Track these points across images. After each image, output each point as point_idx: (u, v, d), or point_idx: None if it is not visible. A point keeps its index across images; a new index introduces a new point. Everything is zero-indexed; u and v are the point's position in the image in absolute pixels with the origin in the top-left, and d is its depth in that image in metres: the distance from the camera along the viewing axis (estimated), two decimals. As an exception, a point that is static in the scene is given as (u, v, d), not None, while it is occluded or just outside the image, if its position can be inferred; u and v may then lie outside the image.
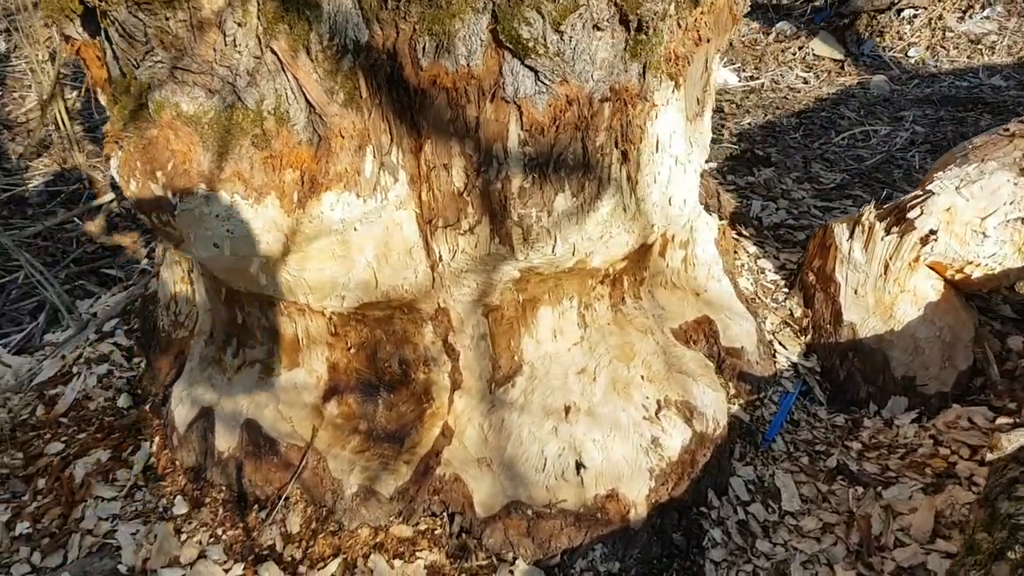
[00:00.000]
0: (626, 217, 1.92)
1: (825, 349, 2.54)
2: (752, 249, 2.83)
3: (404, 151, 1.74)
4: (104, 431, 2.40)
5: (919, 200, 2.37)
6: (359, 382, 2.07)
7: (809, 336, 2.57)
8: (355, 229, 1.74)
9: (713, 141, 4.65)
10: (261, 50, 1.59)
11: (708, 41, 2.06)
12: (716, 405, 2.16)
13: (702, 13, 1.99)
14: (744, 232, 2.94)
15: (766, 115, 5.07)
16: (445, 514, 2.04)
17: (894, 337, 2.45)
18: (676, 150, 2.05)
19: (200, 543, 2.04)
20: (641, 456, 2.00)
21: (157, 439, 2.33)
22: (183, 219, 1.72)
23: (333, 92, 1.63)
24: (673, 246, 2.32)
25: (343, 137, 1.67)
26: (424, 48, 1.59)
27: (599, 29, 1.62)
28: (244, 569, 1.97)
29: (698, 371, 2.20)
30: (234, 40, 1.57)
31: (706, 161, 4.34)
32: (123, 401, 2.52)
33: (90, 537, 2.09)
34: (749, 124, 4.89)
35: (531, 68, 1.62)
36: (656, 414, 2.06)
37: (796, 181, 3.90)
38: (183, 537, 2.06)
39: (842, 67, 5.86)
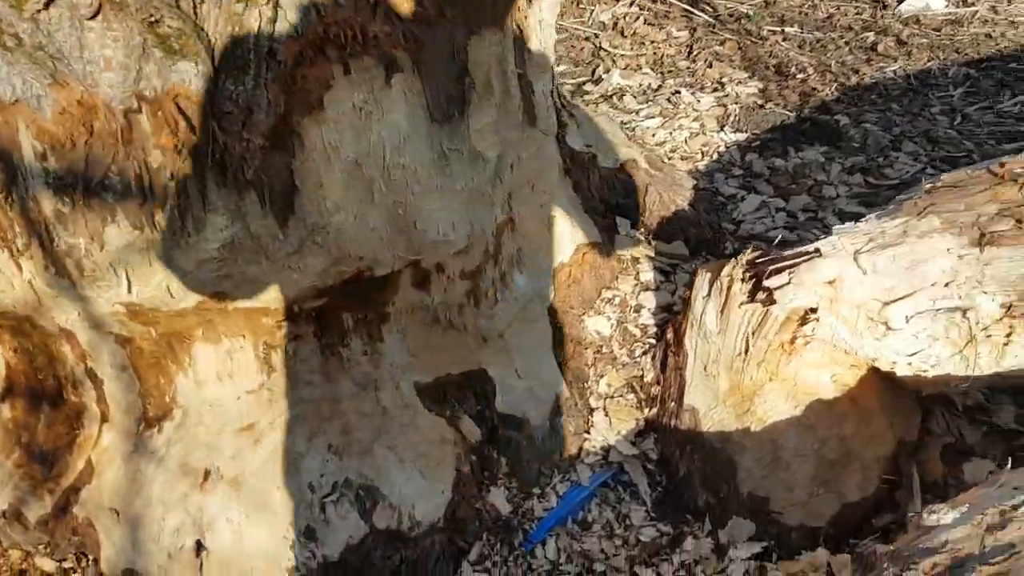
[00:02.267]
0: (275, 253, 1.46)
1: (665, 433, 1.90)
2: (647, 275, 2.15)
3: (-51, 145, 1.39)
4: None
5: (790, 262, 1.64)
6: (28, 388, 1.81)
7: (653, 411, 1.94)
8: (-99, 233, 1.44)
9: (804, 96, 3.60)
10: None
11: (444, 16, 1.48)
12: (419, 498, 1.66)
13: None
14: (652, 248, 2.22)
15: (930, 60, 3.79)
16: (87, 559, 1.77)
17: (746, 439, 1.77)
18: (410, 161, 1.53)
19: None
20: (284, 549, 1.59)
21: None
22: None
23: None
24: (446, 278, 1.78)
25: None
26: None
27: (87, 18, 1.15)
28: None
29: (421, 447, 1.71)
30: None
31: (719, 128, 3.32)
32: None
33: None
34: (892, 73, 3.68)
35: (10, 64, 1.19)
36: (324, 498, 1.62)
37: (848, 170, 2.90)
38: None
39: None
